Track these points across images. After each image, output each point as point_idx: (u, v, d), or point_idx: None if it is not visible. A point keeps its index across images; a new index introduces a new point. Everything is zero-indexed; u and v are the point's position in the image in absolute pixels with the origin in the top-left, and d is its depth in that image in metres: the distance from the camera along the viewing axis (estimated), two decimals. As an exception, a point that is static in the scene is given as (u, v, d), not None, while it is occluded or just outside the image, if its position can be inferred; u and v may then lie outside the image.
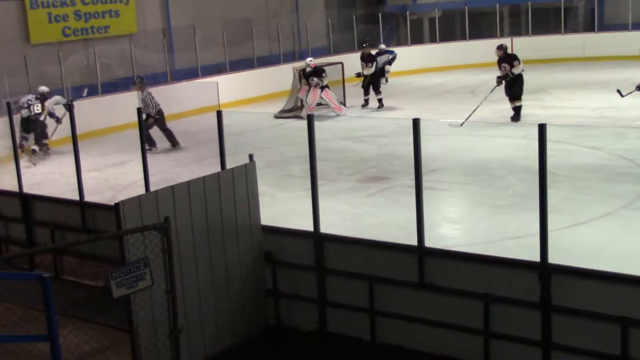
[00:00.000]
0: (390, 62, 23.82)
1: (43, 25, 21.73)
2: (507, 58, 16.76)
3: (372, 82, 20.06)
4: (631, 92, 15.28)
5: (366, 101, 20.20)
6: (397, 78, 24.32)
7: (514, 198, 10.98)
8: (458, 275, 7.16)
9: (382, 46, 24.18)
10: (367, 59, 20.32)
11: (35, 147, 16.09)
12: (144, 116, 13.37)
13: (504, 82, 16.66)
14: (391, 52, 24.05)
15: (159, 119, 15.98)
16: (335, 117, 18.72)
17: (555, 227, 7.26)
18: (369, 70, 19.98)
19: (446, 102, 20.18)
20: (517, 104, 16.69)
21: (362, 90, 20.30)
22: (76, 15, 22.44)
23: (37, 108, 16.03)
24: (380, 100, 19.88)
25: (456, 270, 7.18)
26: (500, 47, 17.27)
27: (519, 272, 6.84)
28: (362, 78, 20.34)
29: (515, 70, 16.55)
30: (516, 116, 16.66)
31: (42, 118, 16.15)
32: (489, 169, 12.62)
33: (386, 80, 23.15)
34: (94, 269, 9.77)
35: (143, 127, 9.93)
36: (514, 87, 16.63)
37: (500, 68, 16.84)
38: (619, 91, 15.36)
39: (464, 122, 15.15)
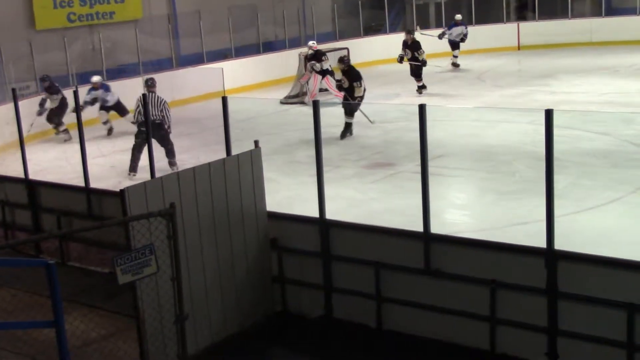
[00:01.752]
0: (463, 39, 23.28)
1: (48, 10, 21.69)
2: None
3: (416, 68, 19.52)
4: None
5: (423, 86, 19.62)
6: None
7: (521, 184, 10.95)
8: (464, 261, 7.15)
9: (458, 16, 23.53)
10: (411, 47, 19.57)
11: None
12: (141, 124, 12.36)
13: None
14: (465, 25, 23.49)
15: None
16: (338, 103, 18.66)
17: (561, 213, 7.23)
18: (422, 55, 19.40)
19: (452, 88, 20.11)
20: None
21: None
22: (81, 1, 22.39)
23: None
24: (421, 88, 19.48)
25: (462, 256, 7.18)
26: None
27: (526, 259, 6.83)
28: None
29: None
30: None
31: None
32: (496, 155, 12.58)
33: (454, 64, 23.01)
34: (99, 256, 9.79)
35: (150, 126, 9.93)
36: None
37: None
38: None
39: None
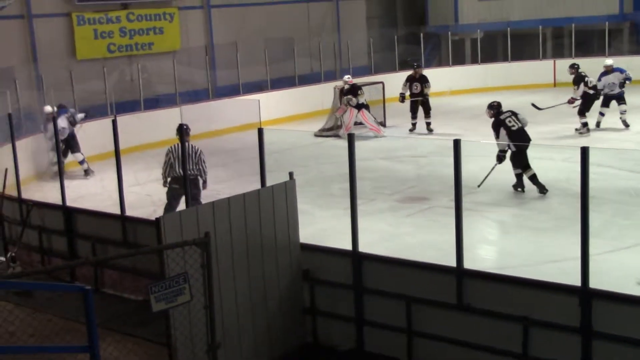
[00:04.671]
0: (623, 84, 17.81)
1: (89, 41, 22.09)
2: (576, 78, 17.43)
3: (424, 103, 19.15)
4: (550, 107, 16.09)
5: (414, 125, 19.24)
6: (437, 98, 24.23)
7: (555, 221, 10.88)
8: (497, 297, 7.11)
9: (609, 61, 18.09)
10: (419, 80, 19.30)
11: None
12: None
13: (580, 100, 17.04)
14: (622, 71, 17.88)
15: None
16: (374, 137, 18.71)
17: (596, 251, 7.17)
18: (427, 92, 19.04)
19: (486, 124, 19.95)
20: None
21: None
22: (121, 32, 22.78)
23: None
24: (428, 125, 19.11)
25: (495, 292, 7.14)
26: (572, 66, 17.81)
27: (559, 296, 6.78)
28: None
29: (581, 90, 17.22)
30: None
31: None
32: (530, 192, 12.51)
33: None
34: (133, 283, 9.86)
35: (186, 153, 9.83)
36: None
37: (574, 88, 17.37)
38: (534, 105, 16.20)
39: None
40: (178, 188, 10.72)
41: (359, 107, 18.86)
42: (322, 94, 22.35)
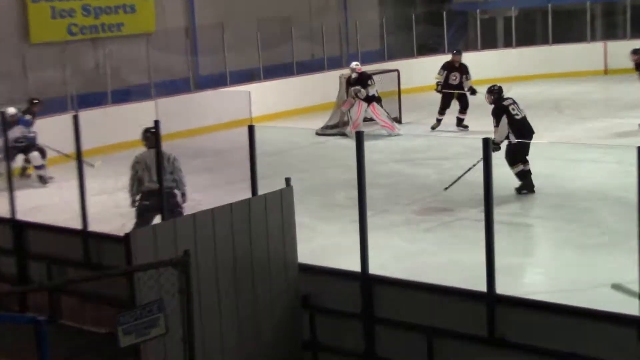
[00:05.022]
0: None
1: (45, 21, 22.08)
2: None
3: (461, 97, 19.02)
4: None
5: (438, 122, 19.28)
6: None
7: (607, 236, 10.87)
8: (536, 329, 7.09)
9: None
10: (459, 69, 19.09)
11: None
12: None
13: None
14: None
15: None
16: (386, 135, 18.71)
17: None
18: (466, 85, 18.91)
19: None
20: None
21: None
22: (84, 11, 22.80)
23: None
24: (462, 121, 19.08)
25: (534, 323, 7.12)
26: (636, 52, 17.94)
27: (615, 328, 6.75)
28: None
29: None
30: None
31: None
32: (576, 201, 12.50)
33: None
34: (97, 312, 9.85)
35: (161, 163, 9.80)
36: None
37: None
38: None
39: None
40: (149, 205, 10.65)
41: (369, 100, 18.87)
42: (326, 85, 22.41)
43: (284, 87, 22.99)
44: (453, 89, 19.01)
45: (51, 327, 7.04)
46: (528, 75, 26.02)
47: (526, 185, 12.97)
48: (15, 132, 15.46)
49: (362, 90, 18.73)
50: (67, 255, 10.28)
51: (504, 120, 13.05)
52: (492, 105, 13.43)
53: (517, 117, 13.12)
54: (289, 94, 22.79)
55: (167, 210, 10.04)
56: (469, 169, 12.61)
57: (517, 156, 12.96)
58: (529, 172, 12.98)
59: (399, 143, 17.88)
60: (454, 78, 19.03)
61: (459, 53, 19.61)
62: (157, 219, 10.38)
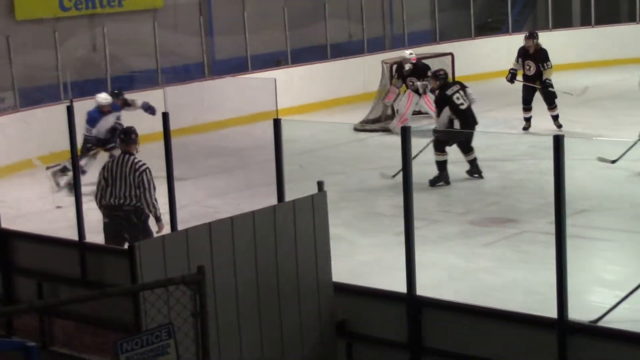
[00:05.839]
0: None
1: (33, -6, 22.25)
2: None
3: (544, 90, 18.36)
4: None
5: (527, 121, 18.59)
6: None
7: None
8: (616, 362, 7.10)
9: None
10: (534, 56, 18.51)
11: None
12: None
13: None
14: None
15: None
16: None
17: None
18: (546, 74, 18.28)
19: (604, 113, 19.97)
20: None
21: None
22: (80, -18, 22.96)
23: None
24: (556, 118, 18.44)
25: (615, 355, 7.11)
26: None
27: None
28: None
29: None
30: None
31: None
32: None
33: None
34: (95, 338, 9.93)
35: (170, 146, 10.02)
36: None
37: None
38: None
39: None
40: (108, 223, 10.71)
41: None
42: (365, 71, 22.41)
43: (316, 73, 22.98)
44: (529, 81, 18.46)
45: (42, 354, 7.16)
46: (609, 59, 25.86)
47: (442, 177, 14.25)
48: (110, 120, 15.43)
49: (420, 83, 18.55)
50: (61, 271, 10.37)
51: (446, 111, 14.25)
52: (437, 92, 14.68)
53: (462, 107, 14.27)
54: (322, 82, 22.77)
55: (132, 236, 10.31)
56: (418, 153, 13.29)
57: (442, 145, 14.30)
58: (445, 163, 14.44)
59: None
60: (528, 67, 18.50)
61: (532, 36, 18.87)
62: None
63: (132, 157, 10.87)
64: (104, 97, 15.55)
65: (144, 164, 10.81)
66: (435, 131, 14.58)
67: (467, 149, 14.61)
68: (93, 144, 15.30)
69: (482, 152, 16.69)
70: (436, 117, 14.51)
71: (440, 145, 14.43)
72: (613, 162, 14.24)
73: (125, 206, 10.59)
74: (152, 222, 10.79)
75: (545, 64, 18.41)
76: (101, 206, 10.84)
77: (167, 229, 10.17)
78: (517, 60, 18.76)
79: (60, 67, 19.60)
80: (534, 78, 18.45)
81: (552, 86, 18.30)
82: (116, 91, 16.60)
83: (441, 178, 14.42)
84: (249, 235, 7.58)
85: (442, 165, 14.44)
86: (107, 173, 10.67)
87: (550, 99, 18.39)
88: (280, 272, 7.78)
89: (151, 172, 10.79)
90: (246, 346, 7.58)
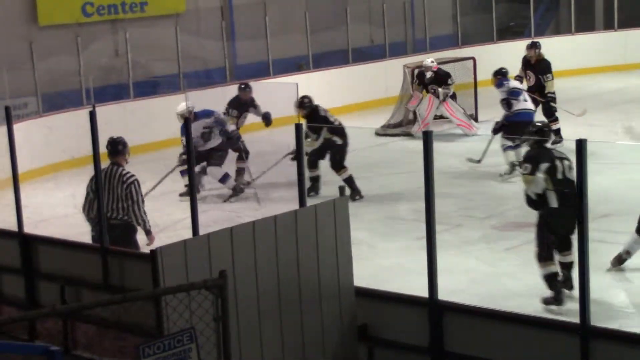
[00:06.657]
0: None
1: (56, 0, 22.32)
2: None
3: (543, 103, 17.59)
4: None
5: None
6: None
7: None
8: (640, 368, 7.07)
9: None
10: (534, 67, 18.03)
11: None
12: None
13: None
14: None
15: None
16: (462, 136, 18.68)
17: None
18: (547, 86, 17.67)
19: (626, 115, 19.90)
20: None
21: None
22: (102, -13, 23.04)
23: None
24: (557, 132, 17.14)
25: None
26: None
27: None
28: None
29: None
30: None
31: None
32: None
33: None
34: (118, 342, 9.96)
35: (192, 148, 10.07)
36: None
37: None
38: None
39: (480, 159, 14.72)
40: (97, 237, 10.61)
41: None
42: (387, 76, 22.39)
43: (337, 78, 22.99)
44: (530, 91, 17.47)
45: (65, 358, 7.19)
46: (633, 63, 25.72)
47: (356, 192, 14.51)
48: (197, 129, 14.88)
49: (441, 91, 18.53)
50: (83, 276, 10.39)
51: (324, 131, 14.69)
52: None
53: (336, 123, 15.01)
54: (343, 87, 22.76)
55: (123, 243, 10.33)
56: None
57: (342, 161, 14.79)
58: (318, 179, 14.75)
59: (475, 145, 17.80)
60: (529, 78, 17.93)
61: (534, 46, 18.38)
62: None
63: (121, 169, 10.93)
64: (179, 107, 15.44)
65: (132, 176, 10.85)
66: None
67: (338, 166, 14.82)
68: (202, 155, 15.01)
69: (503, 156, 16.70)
70: (314, 142, 14.69)
71: (339, 164, 14.77)
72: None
73: (112, 219, 10.64)
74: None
75: (545, 76, 17.83)
76: (89, 218, 10.87)
77: (187, 233, 10.21)
78: (522, 70, 18.25)
79: (82, 72, 19.67)
80: (534, 89, 17.74)
81: (554, 100, 17.66)
82: (242, 85, 17.37)
83: (356, 193, 14.48)
84: (270, 239, 7.59)
85: (349, 181, 14.43)
86: (94, 185, 10.52)
87: (549, 113, 17.57)
88: (301, 277, 7.79)
89: (140, 184, 10.85)
90: (267, 350, 7.59)
